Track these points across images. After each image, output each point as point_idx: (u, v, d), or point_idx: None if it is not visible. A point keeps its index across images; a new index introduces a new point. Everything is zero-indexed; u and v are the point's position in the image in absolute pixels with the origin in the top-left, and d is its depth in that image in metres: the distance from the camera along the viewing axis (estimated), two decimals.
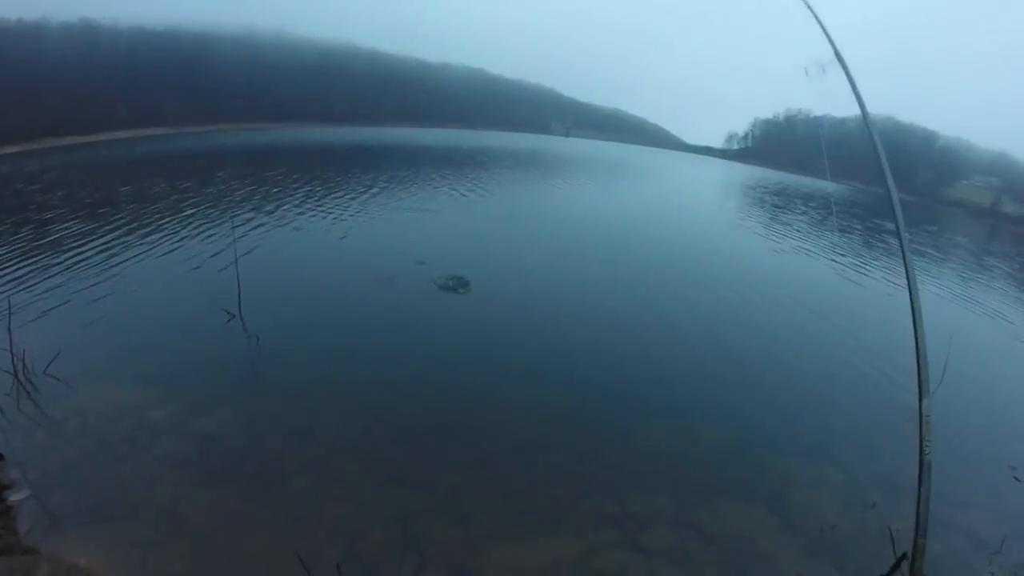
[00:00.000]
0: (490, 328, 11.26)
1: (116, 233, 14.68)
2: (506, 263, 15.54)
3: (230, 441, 7.12)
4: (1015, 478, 8.64)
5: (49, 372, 8.18)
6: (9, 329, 8.73)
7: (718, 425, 8.96)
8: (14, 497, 5.78)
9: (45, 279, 11.65)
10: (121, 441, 6.82)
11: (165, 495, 6.06)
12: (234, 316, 10.10)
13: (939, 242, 37.23)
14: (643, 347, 11.37)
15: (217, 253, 13.41)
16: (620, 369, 10.35)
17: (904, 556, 5.71)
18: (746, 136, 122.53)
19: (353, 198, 21.48)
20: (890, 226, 38.48)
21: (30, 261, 12.74)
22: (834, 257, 23.87)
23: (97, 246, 13.61)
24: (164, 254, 13.27)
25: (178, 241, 14.47)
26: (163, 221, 15.81)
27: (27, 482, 6.08)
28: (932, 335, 13.57)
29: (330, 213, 18.98)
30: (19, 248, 13.74)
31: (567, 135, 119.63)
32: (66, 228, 15.56)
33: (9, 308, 9.51)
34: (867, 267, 22.84)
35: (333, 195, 21.62)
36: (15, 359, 8.05)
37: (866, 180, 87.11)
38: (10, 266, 12.40)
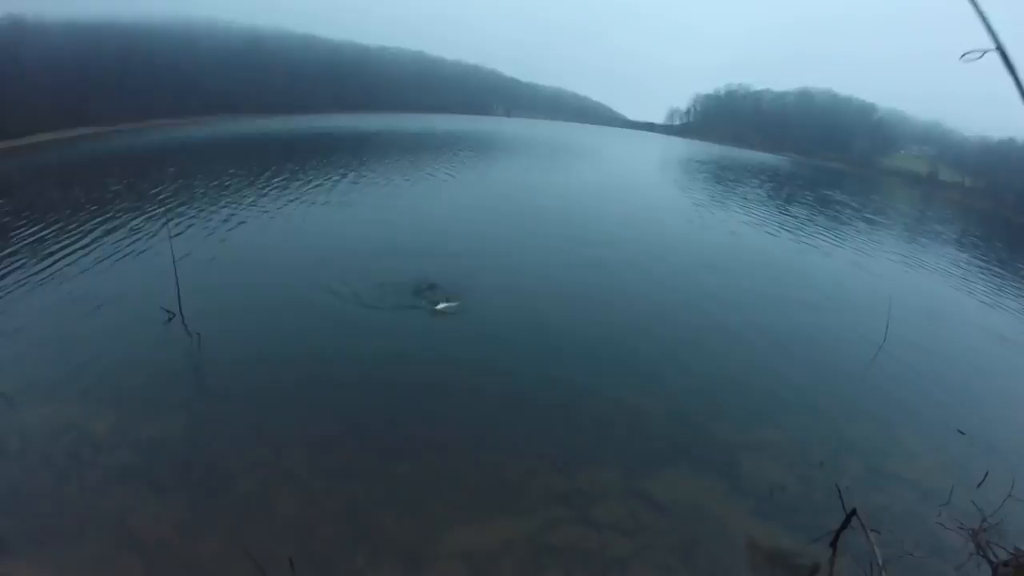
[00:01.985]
0: (430, 321, 10.95)
1: (49, 242, 13.79)
2: (440, 254, 14.99)
3: (175, 447, 6.89)
4: (959, 431, 8.82)
5: None
6: None
7: (662, 397, 9.01)
8: None
9: None
10: (65, 457, 6.56)
11: (112, 508, 5.87)
12: (174, 315, 9.70)
13: (883, 209, 38.34)
14: (584, 323, 11.39)
15: (155, 254, 12.88)
16: (562, 346, 10.33)
17: (854, 511, 5.74)
18: (688, 112, 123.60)
19: (291, 191, 20.80)
20: (837, 196, 39.96)
21: None
22: (780, 227, 24.32)
23: (28, 256, 12.77)
24: (101, 260, 12.63)
25: (114, 244, 13.79)
26: (96, 226, 14.98)
27: None
28: (876, 296, 14.07)
29: (267, 207, 18.34)
30: None
31: (508, 115, 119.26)
32: None
33: None
34: (813, 236, 23.28)
35: (270, 189, 20.94)
36: None
37: (803, 151, 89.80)
38: None
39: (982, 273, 21.36)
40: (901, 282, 17.77)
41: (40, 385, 7.84)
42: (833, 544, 5.96)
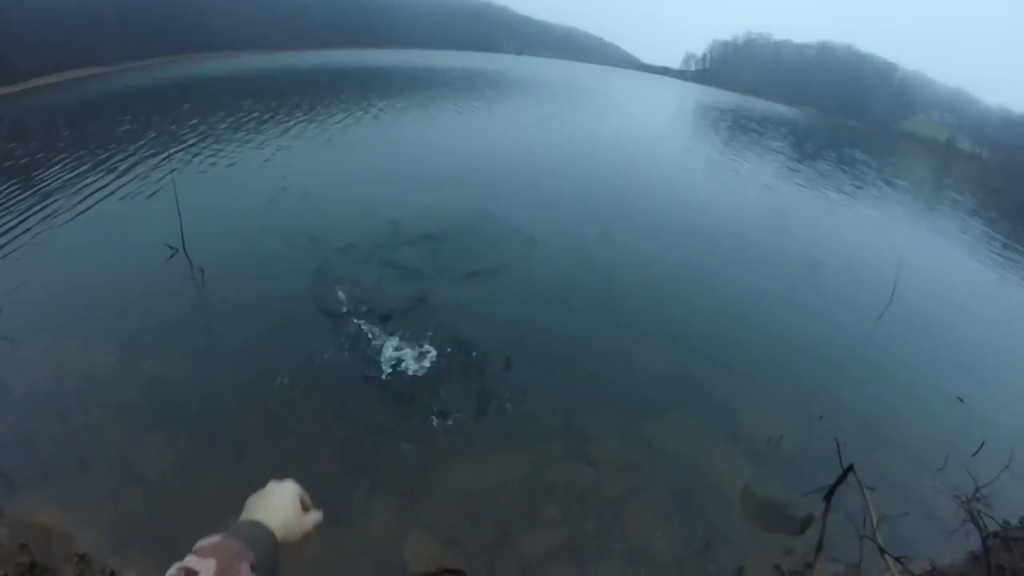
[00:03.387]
0: (440, 252, 10.79)
1: (51, 181, 13.20)
2: (455, 189, 14.76)
3: (177, 383, 6.82)
4: (958, 399, 8.76)
5: None
6: None
7: (663, 346, 8.93)
8: None
9: None
10: (69, 395, 6.48)
11: (115, 445, 5.85)
12: (177, 251, 9.43)
13: (901, 173, 37.67)
14: (593, 269, 11.23)
15: (157, 191, 12.44)
16: (568, 290, 10.18)
17: (851, 467, 5.64)
18: (704, 58, 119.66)
19: (297, 129, 19.92)
20: (858, 156, 39.20)
21: None
22: (807, 182, 23.93)
23: (33, 196, 12.24)
24: (104, 198, 12.17)
25: (115, 181, 13.23)
26: (99, 165, 14.33)
27: None
28: (886, 258, 13.87)
29: (273, 146, 17.52)
30: None
31: (519, 54, 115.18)
32: None
33: None
34: (836, 193, 22.93)
35: (277, 127, 20.06)
36: None
37: (821, 107, 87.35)
38: None
39: (993, 245, 21.07)
40: (913, 246, 17.52)
41: (43, 325, 7.69)
42: (827, 499, 5.89)
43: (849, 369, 9.24)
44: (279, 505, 1.22)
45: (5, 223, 10.95)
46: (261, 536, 1.11)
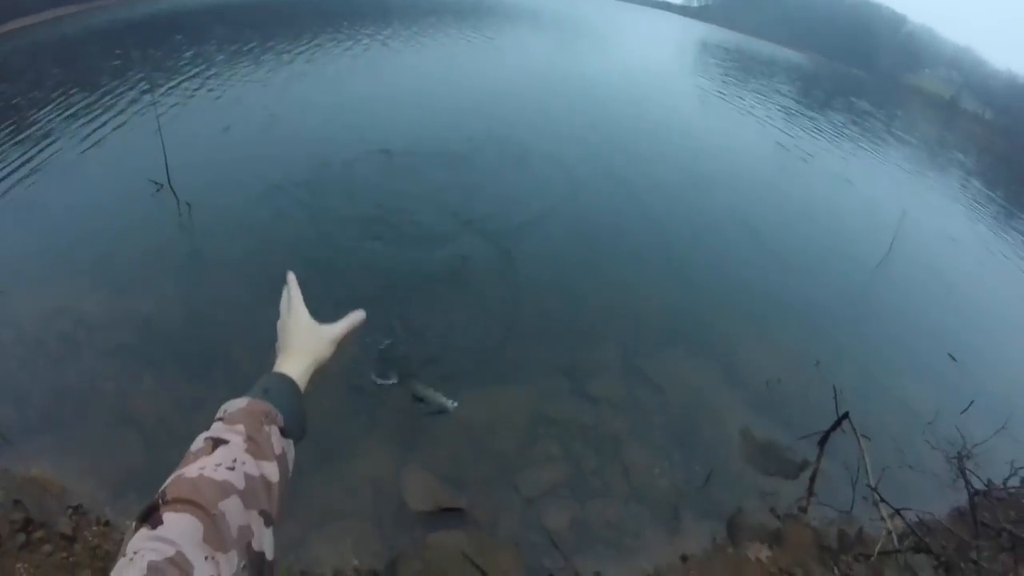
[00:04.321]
0: (435, 181, 10.38)
1: (35, 122, 12.10)
2: (452, 133, 13.59)
3: (169, 322, 6.54)
4: (951, 356, 8.83)
5: None
6: None
7: (666, 286, 8.88)
8: None
9: None
10: (59, 341, 6.17)
11: (109, 390, 5.62)
12: (162, 185, 8.84)
13: (907, 127, 37.24)
14: (597, 205, 11.03)
15: (142, 126, 11.50)
16: (571, 224, 9.97)
17: (846, 414, 5.67)
18: None
19: (286, 61, 18.58)
20: (865, 107, 38.57)
21: None
22: (815, 129, 23.55)
23: (13, 139, 11.33)
24: (87, 136, 11.21)
25: (100, 117, 12.17)
26: (87, 103, 13.22)
27: None
28: (886, 211, 13.79)
29: (268, 76, 16.34)
30: None
31: None
32: None
33: None
34: (840, 143, 22.62)
35: (274, 56, 18.72)
36: None
37: (827, 53, 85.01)
38: None
39: (991, 208, 21.04)
40: (914, 202, 17.39)
41: (29, 271, 7.26)
42: (821, 444, 5.97)
43: (846, 317, 9.28)
44: (304, 338, 1.28)
45: None
46: (287, 391, 1.09)
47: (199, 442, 0.89)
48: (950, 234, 15.59)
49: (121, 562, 0.67)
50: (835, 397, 5.99)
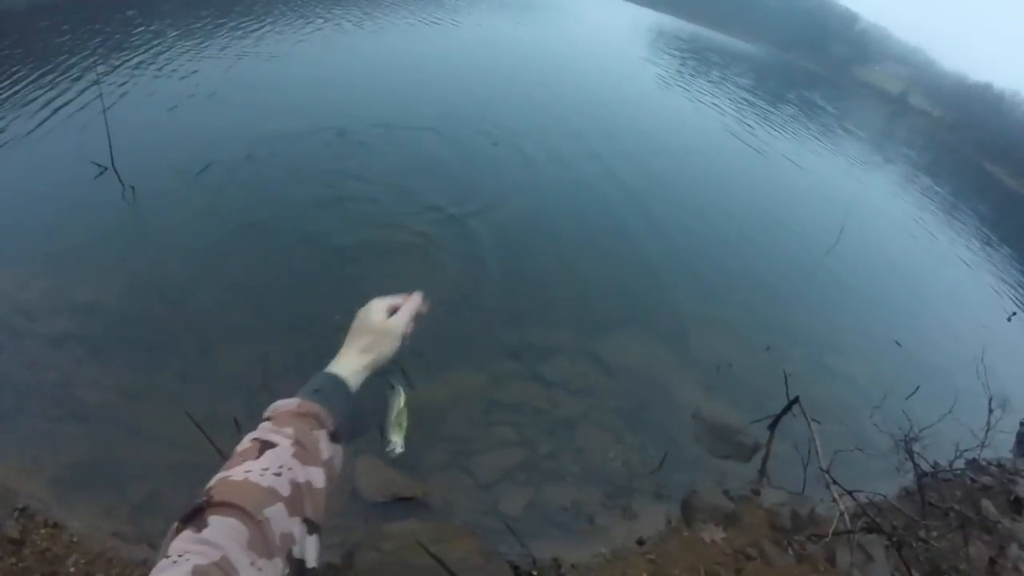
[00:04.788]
0: (396, 168, 10.06)
1: None
2: (407, 115, 13.38)
3: (113, 308, 6.20)
4: (896, 343, 9.13)
5: None
6: None
7: (617, 266, 8.93)
8: None
9: None
10: None
11: (51, 380, 5.30)
12: (106, 168, 8.35)
13: (858, 121, 38.31)
14: (553, 191, 10.94)
15: (84, 104, 10.81)
16: (524, 211, 9.81)
17: (796, 399, 5.78)
18: None
19: (234, 34, 17.93)
20: (817, 100, 39.46)
21: None
22: (763, 120, 23.84)
23: None
24: (26, 116, 10.41)
25: (41, 97, 11.32)
26: (20, 79, 12.43)
27: None
28: (836, 200, 14.18)
29: (210, 50, 15.59)
30: None
31: None
32: None
33: None
34: (791, 133, 23.09)
35: (228, 33, 17.75)
36: None
37: (780, 45, 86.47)
38: None
39: (937, 201, 21.84)
40: (863, 193, 17.91)
41: None
42: (771, 428, 6.06)
43: (796, 303, 9.52)
44: (372, 337, 1.24)
45: None
46: (340, 393, 1.07)
47: (245, 443, 0.88)
48: (897, 223, 16.14)
49: (162, 563, 0.66)
50: (785, 381, 6.04)
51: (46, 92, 11.59)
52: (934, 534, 5.06)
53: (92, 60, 13.39)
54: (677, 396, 6.53)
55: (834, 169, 19.99)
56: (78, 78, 12.30)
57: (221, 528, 0.71)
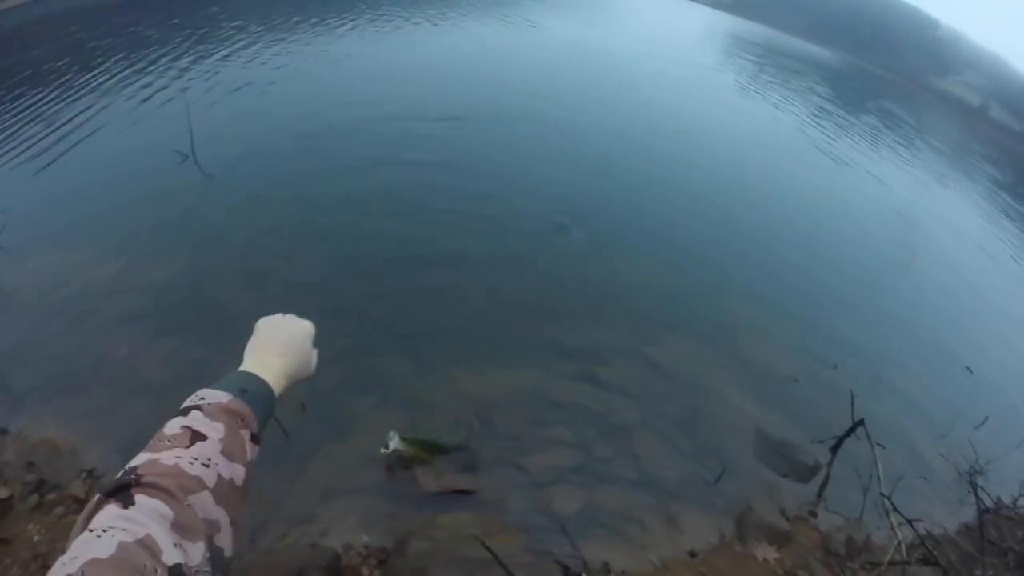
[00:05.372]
0: (457, 166, 10.19)
1: (46, 95, 12.11)
2: (477, 110, 13.40)
3: (184, 290, 6.53)
4: (968, 368, 8.75)
5: None
6: None
7: (683, 271, 8.88)
8: None
9: None
10: (73, 306, 6.14)
11: (121, 355, 5.59)
12: (187, 157, 8.78)
13: (938, 133, 36.78)
14: (620, 192, 10.91)
15: (169, 95, 11.35)
16: (582, 205, 9.86)
17: (861, 421, 5.62)
18: None
19: (315, 30, 18.44)
20: (896, 110, 38.03)
21: None
22: (836, 128, 23.21)
23: (37, 106, 11.22)
24: (105, 107, 11.02)
25: (128, 88, 11.89)
26: (110, 74, 12.99)
27: None
28: (911, 215, 13.63)
29: (292, 46, 16.17)
30: None
31: None
32: None
33: None
34: (864, 142, 22.31)
35: (295, 28, 18.49)
36: None
37: (853, 51, 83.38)
38: None
39: (1020, 217, 20.77)
40: (941, 209, 17.17)
41: (47, 237, 7.22)
42: (834, 450, 5.92)
43: (863, 320, 9.19)
44: (297, 349, 1.29)
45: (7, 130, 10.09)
46: (264, 398, 1.08)
47: (175, 427, 0.89)
48: (976, 242, 15.37)
49: (85, 536, 0.67)
50: (852, 402, 5.91)
51: (134, 84, 12.25)
52: (990, 573, 4.86)
53: (177, 54, 14.09)
54: (736, 408, 6.44)
55: (912, 182, 19.21)
56: (165, 71, 12.94)
57: (148, 507, 0.72)
